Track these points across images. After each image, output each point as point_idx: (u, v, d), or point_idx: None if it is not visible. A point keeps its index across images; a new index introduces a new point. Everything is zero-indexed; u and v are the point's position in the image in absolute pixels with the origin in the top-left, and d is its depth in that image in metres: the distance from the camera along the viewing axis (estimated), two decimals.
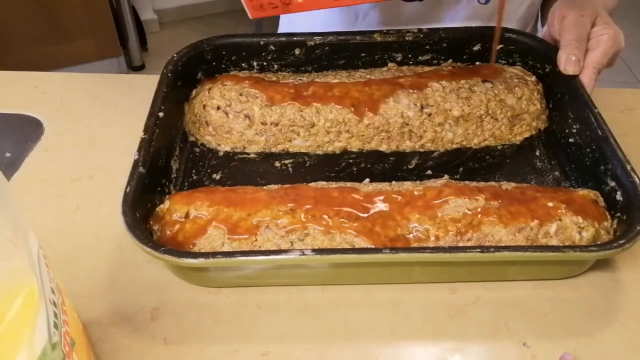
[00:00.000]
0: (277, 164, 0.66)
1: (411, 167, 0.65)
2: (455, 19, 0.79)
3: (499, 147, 0.68)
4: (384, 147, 0.67)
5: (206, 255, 0.49)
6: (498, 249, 0.49)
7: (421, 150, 0.67)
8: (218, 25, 2.61)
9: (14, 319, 0.33)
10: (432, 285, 0.54)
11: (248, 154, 0.67)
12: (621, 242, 0.49)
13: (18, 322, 0.33)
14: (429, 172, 0.64)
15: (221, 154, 0.67)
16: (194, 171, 0.65)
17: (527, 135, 0.68)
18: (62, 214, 0.61)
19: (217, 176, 0.64)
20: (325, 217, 0.53)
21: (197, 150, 0.68)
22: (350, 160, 0.66)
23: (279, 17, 0.98)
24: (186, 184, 0.63)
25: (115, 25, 2.12)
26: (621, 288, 0.54)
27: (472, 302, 0.53)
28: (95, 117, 0.74)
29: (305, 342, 0.50)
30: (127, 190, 0.53)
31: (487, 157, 0.67)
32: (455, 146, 0.67)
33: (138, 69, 2.32)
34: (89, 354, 0.45)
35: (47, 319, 0.35)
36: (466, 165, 0.65)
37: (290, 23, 0.94)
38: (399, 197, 0.55)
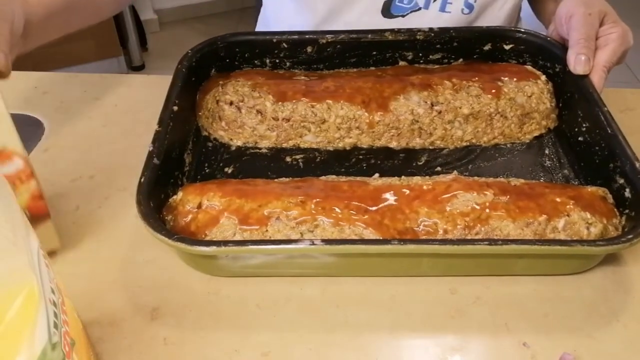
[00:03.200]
0: (288, 159, 0.67)
1: (421, 163, 0.66)
2: None
3: (508, 146, 0.68)
4: (393, 144, 0.68)
5: (218, 243, 0.50)
6: (506, 241, 0.49)
7: (431, 147, 0.68)
8: (218, 25, 2.61)
9: (14, 319, 0.33)
10: (432, 285, 0.54)
11: (260, 149, 0.68)
12: (629, 237, 0.49)
13: (18, 322, 0.33)
14: (438, 168, 0.65)
15: (233, 148, 0.68)
16: (206, 165, 0.66)
17: (536, 134, 0.69)
18: (62, 214, 0.61)
19: (229, 170, 0.65)
20: (335, 209, 0.54)
21: (210, 144, 0.69)
22: (360, 157, 0.67)
23: (257, 19, 0.99)
24: (199, 177, 0.64)
25: (115, 25, 2.13)
26: (621, 288, 0.54)
27: (472, 302, 0.53)
28: (95, 117, 0.75)
29: (305, 342, 0.50)
30: (142, 180, 0.54)
31: (497, 155, 0.67)
32: (464, 144, 0.68)
33: (138, 69, 2.32)
34: (89, 354, 0.45)
35: (47, 319, 0.35)
36: (475, 163, 0.66)
37: (266, 27, 0.95)
38: (408, 191, 0.55)
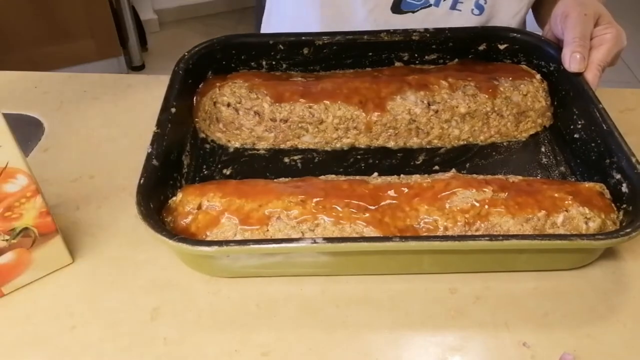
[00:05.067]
0: (286, 160, 0.67)
1: (418, 162, 0.66)
2: None
3: (504, 144, 0.68)
4: (391, 144, 0.68)
5: (220, 243, 0.50)
6: (507, 237, 0.49)
7: (428, 146, 0.68)
8: (217, 25, 2.61)
9: None
10: (432, 285, 0.54)
11: (257, 150, 0.68)
12: (628, 230, 0.49)
13: None
14: (436, 167, 0.65)
15: (231, 150, 0.68)
16: (204, 166, 0.66)
17: (532, 132, 0.69)
18: (62, 214, 0.61)
19: (227, 171, 0.65)
20: (336, 208, 0.54)
21: (208, 146, 0.69)
22: (358, 157, 0.67)
23: (256, 19, 0.99)
24: (197, 178, 0.64)
25: (115, 25, 2.13)
26: (621, 288, 0.54)
27: (472, 301, 0.53)
28: (95, 117, 0.75)
29: (305, 342, 0.50)
30: (141, 181, 0.54)
31: (494, 153, 0.67)
32: (461, 143, 0.68)
33: (138, 69, 2.32)
34: None
35: None
36: (472, 161, 0.66)
37: (269, 22, 0.95)
38: (408, 189, 0.56)
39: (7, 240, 0.50)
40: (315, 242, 0.49)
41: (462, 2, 0.81)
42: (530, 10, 0.91)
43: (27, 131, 0.72)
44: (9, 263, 0.51)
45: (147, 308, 0.52)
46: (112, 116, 0.75)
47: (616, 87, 0.78)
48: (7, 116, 0.46)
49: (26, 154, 0.68)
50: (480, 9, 0.81)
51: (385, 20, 0.82)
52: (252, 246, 0.50)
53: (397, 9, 0.81)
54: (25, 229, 0.50)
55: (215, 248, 0.49)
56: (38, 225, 0.51)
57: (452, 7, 0.81)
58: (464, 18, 0.82)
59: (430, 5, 0.81)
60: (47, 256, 0.53)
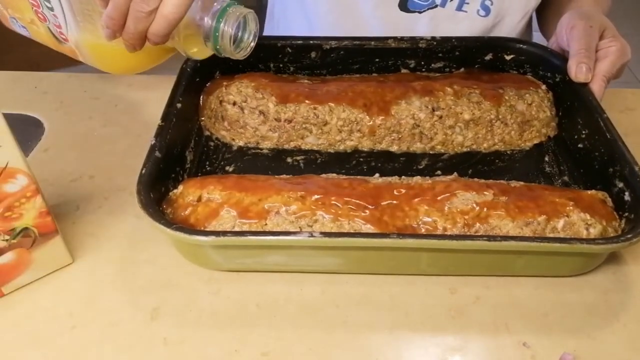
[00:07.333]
0: (289, 160, 0.67)
1: (421, 167, 0.66)
2: (455, 32, 0.80)
3: (508, 152, 0.68)
4: (394, 148, 0.68)
5: (217, 233, 0.50)
6: (505, 238, 0.49)
7: (431, 152, 0.68)
8: None
9: None
10: (432, 286, 0.54)
11: (261, 149, 0.68)
12: (629, 236, 0.49)
13: None
14: (439, 172, 0.65)
15: (235, 148, 0.69)
16: (207, 163, 0.66)
17: (536, 141, 0.69)
18: (62, 214, 0.61)
19: (230, 169, 0.66)
20: (335, 205, 0.54)
21: (212, 144, 0.69)
22: (361, 159, 0.67)
23: (261, 22, 0.99)
24: (199, 174, 0.65)
25: None
26: (621, 289, 0.54)
27: (472, 302, 0.53)
28: (95, 117, 0.75)
29: (305, 342, 0.50)
30: (143, 171, 0.54)
31: (497, 161, 0.67)
32: (465, 149, 0.68)
33: None
34: None
35: None
36: (475, 168, 0.66)
37: (271, 16, 0.95)
38: (408, 190, 0.56)
39: (7, 240, 0.50)
40: (312, 235, 0.49)
41: (468, 3, 0.81)
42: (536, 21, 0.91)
43: (27, 131, 0.72)
44: (9, 263, 0.51)
45: (147, 308, 0.52)
46: (112, 116, 0.75)
47: (616, 87, 0.78)
48: (7, 116, 0.46)
49: (26, 154, 0.68)
50: (487, 10, 0.81)
51: (391, 17, 0.82)
52: (249, 237, 0.50)
53: (404, 7, 0.82)
54: (25, 229, 0.50)
55: (212, 238, 0.49)
56: (38, 225, 0.51)
57: (458, 8, 0.81)
58: (470, 19, 0.82)
59: (436, 6, 0.81)
60: (47, 256, 0.53)
